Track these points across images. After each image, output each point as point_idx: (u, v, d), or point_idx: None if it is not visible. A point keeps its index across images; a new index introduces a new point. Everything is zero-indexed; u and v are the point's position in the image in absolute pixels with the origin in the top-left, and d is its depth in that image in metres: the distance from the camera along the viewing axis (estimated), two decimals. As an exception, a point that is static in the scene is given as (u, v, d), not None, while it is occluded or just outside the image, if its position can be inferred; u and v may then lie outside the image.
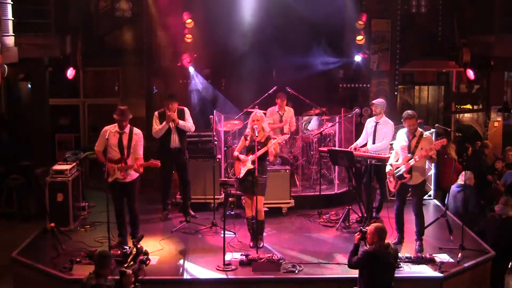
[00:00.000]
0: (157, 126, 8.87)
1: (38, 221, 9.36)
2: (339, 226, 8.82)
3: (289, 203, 9.47)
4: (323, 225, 9.03)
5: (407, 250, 7.76)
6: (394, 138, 8.41)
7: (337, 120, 10.14)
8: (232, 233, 8.31)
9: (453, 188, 9.20)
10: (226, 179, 9.06)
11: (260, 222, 7.91)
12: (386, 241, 6.19)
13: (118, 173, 7.68)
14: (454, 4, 12.26)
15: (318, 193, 9.59)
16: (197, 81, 12.07)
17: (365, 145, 9.14)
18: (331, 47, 12.00)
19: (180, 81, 12.21)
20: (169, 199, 9.40)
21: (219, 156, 9.67)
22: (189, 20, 11.48)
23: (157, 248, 7.94)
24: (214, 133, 9.37)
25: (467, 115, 14.25)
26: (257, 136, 7.66)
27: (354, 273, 6.41)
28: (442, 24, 12.42)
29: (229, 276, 7.13)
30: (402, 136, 7.88)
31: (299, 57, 11.60)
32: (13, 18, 9.40)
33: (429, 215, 9.31)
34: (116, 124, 7.79)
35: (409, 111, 7.86)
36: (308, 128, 11.20)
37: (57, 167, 8.88)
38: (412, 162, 7.61)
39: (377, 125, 8.98)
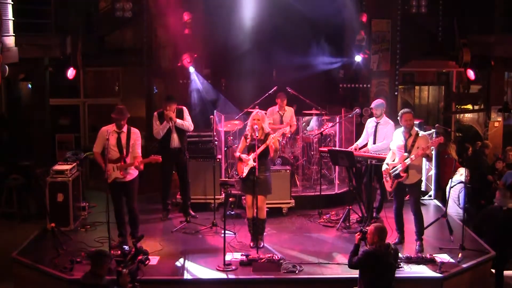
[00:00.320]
0: (157, 127, 8.87)
1: (38, 221, 9.37)
2: (340, 226, 8.81)
3: (289, 203, 9.47)
4: (323, 225, 9.03)
5: (407, 250, 7.75)
6: (394, 138, 8.43)
7: (337, 120, 10.14)
8: (232, 233, 8.31)
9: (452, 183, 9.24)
10: (227, 179, 9.07)
11: (261, 220, 7.92)
12: (386, 241, 6.19)
13: (117, 172, 7.68)
14: (454, 4, 12.26)
15: (319, 193, 9.59)
16: (197, 81, 12.07)
17: (366, 145, 9.16)
18: (331, 47, 12.00)
19: (180, 81, 12.20)
20: (169, 199, 9.40)
21: (219, 156, 9.67)
22: (189, 20, 11.47)
23: (157, 248, 7.94)
24: (215, 133, 9.37)
25: (467, 115, 14.25)
26: (257, 136, 7.66)
27: (355, 273, 6.41)
28: (442, 24, 12.42)
29: (229, 276, 7.12)
30: (398, 136, 7.90)
31: (299, 57, 11.59)
32: (13, 18, 9.40)
33: (429, 215, 9.31)
34: (113, 124, 7.79)
35: (404, 108, 7.97)
36: (307, 129, 11.20)
37: (57, 167, 8.88)
38: (408, 161, 7.61)
39: (378, 126, 8.99)
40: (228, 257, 7.41)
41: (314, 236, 8.57)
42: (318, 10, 11.24)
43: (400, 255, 7.08)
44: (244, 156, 7.83)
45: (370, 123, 9.20)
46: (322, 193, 9.66)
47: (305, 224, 9.11)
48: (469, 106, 14.09)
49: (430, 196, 10.46)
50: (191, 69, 11.92)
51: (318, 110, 10.69)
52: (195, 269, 7.32)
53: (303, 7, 11.53)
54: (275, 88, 10.58)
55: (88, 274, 5.92)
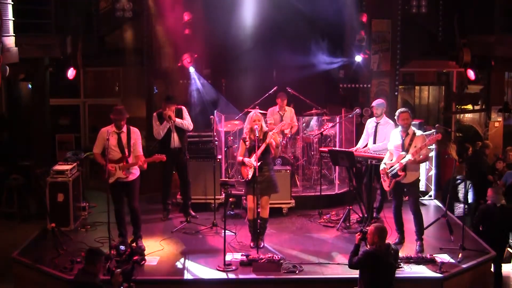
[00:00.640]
0: (157, 127, 8.87)
1: (39, 221, 9.38)
2: (340, 226, 8.82)
3: (289, 203, 9.47)
4: (323, 225, 9.03)
5: (407, 250, 7.75)
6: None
7: (337, 121, 10.14)
8: (232, 233, 8.31)
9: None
10: (227, 179, 9.07)
11: (264, 220, 7.94)
12: (386, 241, 6.19)
13: (120, 173, 7.68)
14: (455, 4, 12.25)
15: (319, 193, 9.59)
16: (198, 81, 12.06)
17: (366, 145, 9.17)
18: (331, 47, 11.99)
19: (181, 81, 12.20)
20: (169, 199, 9.40)
21: (219, 156, 9.67)
22: (189, 20, 11.47)
23: (157, 248, 7.94)
24: (215, 134, 9.37)
25: (467, 115, 14.24)
26: (257, 136, 7.66)
27: (355, 274, 6.42)
28: (442, 24, 12.41)
29: (230, 276, 7.13)
30: (395, 135, 7.92)
31: (300, 57, 11.58)
32: (13, 18, 9.39)
33: (429, 216, 9.33)
34: (112, 125, 7.78)
35: (401, 108, 8.01)
36: (307, 129, 11.19)
37: (57, 167, 8.88)
38: (406, 160, 7.61)
39: (378, 126, 9.01)
40: (228, 257, 7.41)
41: (314, 236, 8.57)
42: (318, 10, 11.25)
43: (400, 255, 7.09)
44: (247, 160, 7.81)
45: (370, 124, 9.22)
46: (322, 193, 9.67)
47: (305, 224, 9.11)
48: (469, 106, 14.08)
49: (430, 196, 10.46)
50: (191, 69, 11.92)
51: (318, 110, 10.69)
52: (195, 269, 7.32)
53: (303, 7, 11.54)
54: (275, 88, 10.58)
55: (80, 272, 5.91)
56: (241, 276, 7.12)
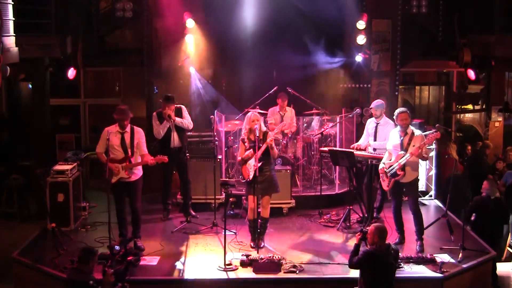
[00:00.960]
0: (157, 127, 8.87)
1: (39, 221, 9.37)
2: (340, 226, 8.82)
3: (290, 203, 9.48)
4: (324, 225, 9.03)
5: (407, 250, 7.76)
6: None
7: (338, 120, 10.14)
8: (232, 233, 8.31)
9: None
10: (227, 179, 9.07)
11: (265, 219, 7.94)
12: (386, 241, 6.19)
13: (122, 172, 7.68)
14: (455, 4, 12.24)
15: (319, 193, 9.59)
16: (197, 81, 12.06)
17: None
18: (331, 47, 11.99)
19: (181, 81, 12.20)
20: (169, 199, 9.40)
21: (219, 156, 9.66)
22: (189, 20, 11.47)
23: (157, 248, 7.94)
24: (215, 133, 9.37)
25: (468, 115, 14.24)
26: (257, 136, 7.67)
27: (355, 273, 6.42)
28: (442, 24, 12.40)
29: (230, 276, 7.12)
30: (394, 135, 7.93)
31: (300, 57, 11.58)
32: (13, 18, 9.39)
33: (430, 215, 9.34)
34: (116, 124, 7.78)
35: (401, 108, 8.00)
36: (308, 129, 11.20)
37: (57, 167, 8.88)
38: (404, 160, 7.61)
39: (378, 126, 9.03)
40: (229, 257, 7.41)
41: (315, 236, 8.57)
42: (319, 10, 11.24)
43: (400, 255, 7.08)
44: (247, 152, 7.79)
45: (370, 124, 9.23)
46: (322, 193, 9.67)
47: (306, 224, 9.11)
48: (470, 106, 14.08)
49: (431, 196, 10.46)
50: (192, 69, 11.91)
51: (318, 110, 10.68)
52: (195, 269, 7.32)
53: (304, 7, 11.53)
54: (275, 88, 10.58)
55: (73, 271, 5.90)
56: (241, 276, 7.12)
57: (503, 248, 9.03)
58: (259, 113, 8.46)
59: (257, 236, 7.94)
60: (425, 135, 7.88)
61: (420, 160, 7.93)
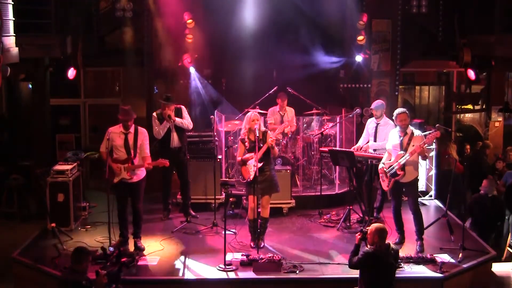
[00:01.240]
0: (157, 127, 8.87)
1: (39, 221, 9.37)
2: (340, 226, 8.82)
3: (290, 203, 9.48)
4: (323, 225, 9.03)
5: (407, 250, 7.75)
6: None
7: (338, 120, 10.15)
8: (232, 233, 8.31)
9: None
10: (227, 179, 9.07)
11: (265, 219, 7.94)
12: (386, 241, 6.19)
13: (124, 173, 7.69)
14: (455, 4, 12.25)
15: (319, 193, 9.59)
16: (198, 81, 12.06)
17: (367, 143, 9.19)
18: (331, 47, 11.99)
19: (181, 81, 12.20)
20: (169, 199, 9.40)
21: (219, 156, 9.66)
22: (189, 20, 11.47)
23: (157, 248, 7.95)
24: (215, 133, 9.37)
25: (468, 115, 14.24)
26: (257, 136, 7.66)
27: (355, 274, 6.41)
28: (442, 24, 12.40)
29: (230, 276, 7.13)
30: (394, 135, 7.93)
31: (300, 57, 11.59)
32: (13, 18, 9.39)
33: (430, 215, 9.34)
34: (120, 125, 7.78)
35: (400, 108, 7.98)
36: (308, 129, 11.20)
37: (57, 167, 8.89)
38: (404, 160, 7.61)
39: (378, 126, 9.03)
40: (229, 257, 7.41)
41: (315, 236, 8.57)
42: (319, 10, 11.24)
43: (400, 255, 7.08)
44: (248, 155, 7.79)
45: (370, 124, 9.23)
46: (322, 193, 9.68)
47: (306, 224, 9.11)
48: (470, 106, 14.08)
49: (431, 196, 10.46)
50: (192, 69, 11.92)
51: (318, 110, 10.69)
52: (195, 269, 7.32)
53: (304, 7, 11.53)
54: (275, 88, 10.58)
55: (67, 270, 5.89)
56: (241, 276, 7.12)
57: (503, 248, 9.03)
58: (259, 113, 8.46)
59: (257, 236, 7.94)
60: (425, 135, 7.88)
61: (420, 160, 7.93)
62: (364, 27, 11.63)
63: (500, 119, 12.71)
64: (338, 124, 10.16)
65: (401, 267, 7.17)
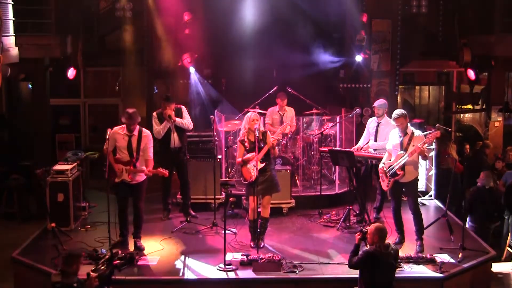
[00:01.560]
0: (157, 127, 8.87)
1: (39, 221, 9.37)
2: (340, 226, 8.81)
3: (289, 203, 9.47)
4: (323, 225, 9.03)
5: (407, 250, 7.75)
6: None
7: (337, 120, 10.14)
8: (232, 233, 8.31)
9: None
10: (227, 179, 9.07)
11: (265, 219, 7.95)
12: (386, 241, 6.19)
13: (125, 175, 7.68)
14: (455, 4, 12.26)
15: (319, 193, 9.59)
16: (198, 81, 12.07)
17: (367, 143, 9.18)
18: (331, 47, 12.00)
19: (181, 81, 12.20)
20: (169, 199, 9.40)
21: (219, 156, 9.66)
22: (189, 20, 11.48)
23: (157, 248, 7.94)
24: (215, 133, 9.37)
25: (467, 115, 14.25)
26: (257, 136, 7.66)
27: (355, 273, 6.41)
28: (442, 24, 12.41)
29: (230, 276, 7.12)
30: (394, 135, 7.92)
31: (300, 57, 11.59)
32: (13, 18, 9.40)
33: (430, 215, 9.33)
34: (124, 126, 7.78)
35: (396, 111, 7.87)
36: (308, 129, 11.20)
37: (57, 167, 8.88)
38: (404, 160, 7.61)
39: (379, 126, 9.03)
40: (229, 257, 7.41)
41: (315, 236, 8.57)
42: (319, 10, 11.24)
43: (400, 255, 7.08)
44: (249, 154, 7.78)
45: (371, 123, 9.22)
46: (322, 193, 9.67)
47: (306, 224, 9.10)
48: (470, 106, 14.09)
49: (430, 196, 10.46)
50: (191, 69, 11.92)
51: (318, 109, 10.69)
52: (195, 269, 7.31)
53: (304, 7, 11.54)
54: (275, 88, 10.58)
55: (57, 273, 5.88)
56: (241, 276, 7.12)
57: (503, 248, 9.03)
58: (258, 113, 8.46)
59: (257, 236, 7.94)
60: (425, 135, 7.88)
61: (420, 160, 7.93)
62: (364, 27, 11.64)
63: (500, 119, 12.73)
64: (338, 124, 10.16)
65: (401, 267, 7.16)
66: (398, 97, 12.99)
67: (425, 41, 12.63)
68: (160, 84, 12.55)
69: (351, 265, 6.31)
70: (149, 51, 12.08)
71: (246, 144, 7.83)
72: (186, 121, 8.96)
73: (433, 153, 10.29)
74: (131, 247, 7.86)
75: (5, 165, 11.65)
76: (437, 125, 9.04)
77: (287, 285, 7.15)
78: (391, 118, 8.94)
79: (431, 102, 14.84)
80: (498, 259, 8.54)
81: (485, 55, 11.98)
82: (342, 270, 7.16)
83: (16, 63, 9.33)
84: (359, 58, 11.83)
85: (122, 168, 7.68)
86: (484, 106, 13.40)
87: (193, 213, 9.22)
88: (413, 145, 7.61)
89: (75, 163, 9.19)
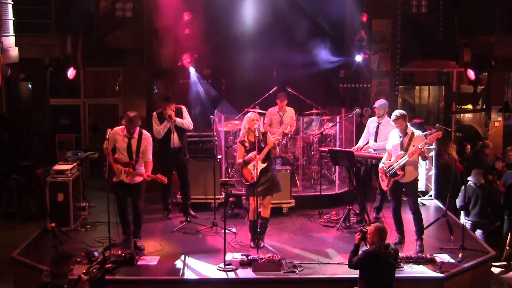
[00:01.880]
0: (157, 126, 8.87)
1: (39, 221, 9.38)
2: (340, 226, 8.81)
3: (289, 203, 9.47)
4: (323, 225, 9.03)
5: (407, 250, 7.75)
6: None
7: (337, 120, 10.14)
8: (232, 233, 8.30)
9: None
10: (227, 179, 9.07)
11: (266, 219, 7.95)
12: (386, 241, 6.19)
13: (124, 176, 7.68)
14: (455, 4, 12.25)
15: (319, 193, 9.59)
16: (197, 81, 12.06)
17: (367, 143, 9.18)
18: (331, 47, 11.99)
19: (181, 81, 12.20)
20: (169, 199, 9.40)
21: (219, 156, 9.66)
22: (189, 20, 11.47)
23: (157, 248, 7.95)
24: (215, 133, 9.37)
25: (467, 115, 14.25)
26: (257, 136, 7.66)
27: (355, 273, 6.41)
28: (442, 24, 12.40)
29: (230, 276, 7.12)
30: (394, 135, 7.92)
31: (300, 57, 11.58)
32: (13, 18, 9.40)
33: (429, 215, 9.33)
34: (124, 128, 7.77)
35: (395, 112, 7.85)
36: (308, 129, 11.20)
37: (57, 167, 8.88)
38: (404, 160, 7.60)
39: (379, 126, 9.03)
40: (228, 257, 7.41)
41: (314, 236, 8.57)
42: (319, 10, 11.24)
43: (400, 254, 7.08)
44: (251, 154, 7.76)
45: (371, 123, 9.22)
46: (322, 193, 9.67)
47: (305, 224, 9.10)
48: (469, 106, 14.09)
49: (430, 196, 10.46)
50: (191, 69, 11.92)
51: (318, 109, 10.69)
52: (195, 269, 7.32)
53: (304, 7, 11.54)
54: (275, 88, 10.58)
55: (46, 273, 5.88)
56: (241, 276, 7.12)
57: (503, 248, 9.03)
58: (258, 113, 8.46)
59: (257, 236, 7.94)
60: (425, 135, 7.88)
61: (420, 160, 7.93)
62: (364, 27, 11.63)
63: (500, 119, 12.72)
64: (338, 124, 10.16)
65: (401, 267, 7.16)
66: (398, 97, 12.98)
67: (425, 41, 12.63)
68: (160, 84, 12.53)
69: (351, 265, 6.31)
70: (149, 51, 12.06)
71: (246, 144, 7.83)
72: (187, 121, 8.96)
73: (433, 153, 10.29)
74: (131, 247, 7.86)
75: (5, 165, 11.65)
76: (437, 125, 9.05)
77: (287, 285, 7.15)
78: (390, 118, 8.98)
79: (431, 102, 14.83)
80: (498, 259, 8.55)
81: (485, 55, 11.97)
82: (342, 270, 7.17)
83: (16, 63, 9.32)
84: (359, 58, 11.82)
85: (121, 169, 7.68)
86: (484, 106, 13.39)
87: (193, 213, 9.23)
88: (414, 145, 7.61)
89: (75, 163, 9.19)
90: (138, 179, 7.80)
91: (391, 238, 7.70)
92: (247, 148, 7.83)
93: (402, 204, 8.11)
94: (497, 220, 9.43)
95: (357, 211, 9.07)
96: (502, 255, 8.96)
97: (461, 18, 11.98)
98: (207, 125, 10.03)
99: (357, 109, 10.42)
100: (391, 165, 7.78)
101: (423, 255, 7.52)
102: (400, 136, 7.79)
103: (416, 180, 7.95)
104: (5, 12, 9.04)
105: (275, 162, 8.99)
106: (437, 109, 14.70)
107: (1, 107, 13.22)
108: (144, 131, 7.86)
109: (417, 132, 7.85)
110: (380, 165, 7.98)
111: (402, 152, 7.68)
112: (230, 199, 9.07)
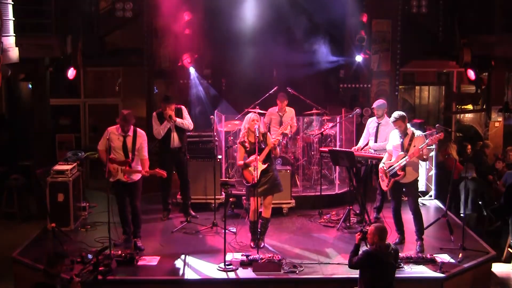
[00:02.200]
0: (157, 127, 8.87)
1: (39, 221, 9.38)
2: (340, 226, 8.81)
3: (289, 203, 9.47)
4: (323, 225, 9.03)
5: (407, 250, 7.75)
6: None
7: (337, 121, 10.14)
8: (232, 233, 8.30)
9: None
10: (227, 179, 9.07)
11: (267, 220, 7.95)
12: (386, 241, 6.19)
13: (121, 175, 7.68)
14: (455, 4, 12.25)
15: (319, 193, 9.59)
16: (198, 81, 12.06)
17: (367, 144, 9.17)
18: (331, 47, 11.99)
19: (181, 81, 12.20)
20: (169, 199, 9.40)
21: (219, 156, 9.66)
22: (189, 20, 11.47)
23: (157, 248, 7.95)
24: (215, 133, 9.37)
25: (467, 115, 14.25)
26: (257, 136, 7.65)
27: (355, 273, 6.42)
28: (442, 24, 12.40)
29: (230, 276, 7.12)
30: (395, 136, 7.91)
31: (300, 57, 11.58)
32: (13, 18, 9.39)
33: (430, 216, 9.34)
34: (118, 126, 7.77)
35: (394, 114, 7.83)
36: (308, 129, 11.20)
37: (57, 167, 8.88)
38: (405, 161, 7.60)
39: (379, 126, 9.03)
40: (229, 257, 7.41)
41: (315, 236, 8.57)
42: (319, 10, 11.23)
43: (400, 255, 7.08)
44: (252, 157, 7.75)
45: (371, 123, 9.21)
46: (322, 193, 9.67)
47: (306, 224, 9.10)
48: (470, 106, 14.08)
49: (431, 196, 10.46)
50: (191, 69, 11.91)
51: (318, 110, 10.68)
52: (195, 269, 7.32)
53: (304, 7, 11.53)
54: (275, 88, 10.58)
55: (41, 273, 5.89)
56: (241, 276, 7.12)
57: (503, 248, 9.03)
58: (258, 113, 8.45)
59: (257, 236, 7.93)
60: (425, 135, 7.87)
61: (420, 161, 7.92)
62: (364, 27, 11.63)
63: (500, 119, 12.72)
64: (338, 124, 10.16)
65: (401, 267, 7.17)
66: (398, 97, 12.98)
67: (425, 41, 12.62)
68: (160, 84, 12.53)
69: (351, 265, 6.31)
70: (149, 51, 12.06)
71: (246, 145, 7.82)
72: (187, 121, 8.96)
73: (433, 153, 10.29)
74: (132, 247, 7.86)
75: (5, 165, 11.64)
76: (437, 125, 9.05)
77: (287, 285, 7.15)
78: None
79: (431, 102, 14.83)
80: (498, 259, 8.54)
81: (485, 55, 11.97)
82: (342, 270, 7.17)
83: (16, 63, 9.31)
84: (359, 58, 11.82)
85: (117, 168, 7.68)
86: (484, 106, 13.39)
87: (193, 213, 9.23)
88: (414, 146, 7.61)
89: (75, 163, 9.20)
90: (136, 177, 7.80)
91: (391, 238, 7.70)
92: (247, 149, 7.82)
93: (402, 204, 8.11)
94: (497, 220, 9.43)
95: (357, 211, 9.08)
96: (502, 255, 8.94)
97: (461, 18, 11.98)
98: (207, 125, 10.03)
99: (357, 109, 10.42)
100: (392, 165, 7.78)
101: (423, 255, 7.52)
102: (401, 137, 7.78)
103: (416, 181, 7.95)
104: (5, 12, 9.02)
105: (276, 162, 8.99)
106: (437, 109, 14.70)
107: (1, 107, 13.22)
108: (138, 129, 7.87)
109: (418, 133, 7.84)
110: (381, 165, 7.98)
111: (403, 152, 7.67)
112: (230, 199, 9.07)
